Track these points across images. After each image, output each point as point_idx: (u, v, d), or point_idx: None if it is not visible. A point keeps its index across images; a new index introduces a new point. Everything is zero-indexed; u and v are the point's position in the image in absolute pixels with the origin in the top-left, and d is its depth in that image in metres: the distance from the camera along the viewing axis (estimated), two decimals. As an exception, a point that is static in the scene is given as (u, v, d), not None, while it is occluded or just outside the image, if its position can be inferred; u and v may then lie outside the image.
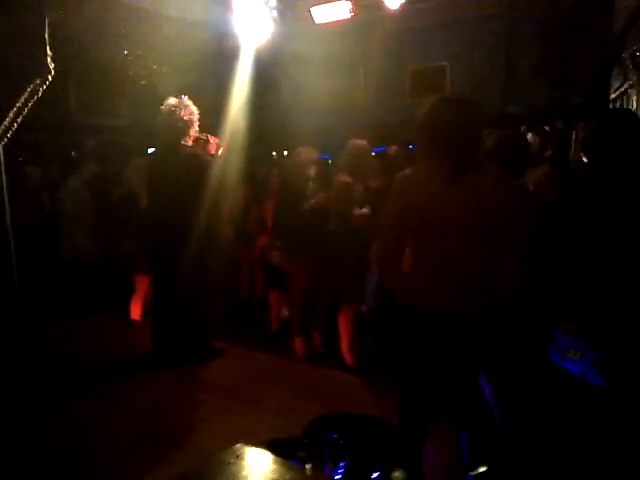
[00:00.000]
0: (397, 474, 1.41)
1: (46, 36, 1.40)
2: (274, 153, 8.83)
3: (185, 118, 4.24)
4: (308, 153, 4.75)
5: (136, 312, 5.33)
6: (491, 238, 2.24)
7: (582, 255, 2.28)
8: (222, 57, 6.87)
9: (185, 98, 4.32)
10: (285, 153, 9.54)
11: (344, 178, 4.30)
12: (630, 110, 6.03)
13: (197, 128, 4.36)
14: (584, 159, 2.40)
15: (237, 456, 1.46)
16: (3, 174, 1.51)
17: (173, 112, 4.22)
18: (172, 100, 4.28)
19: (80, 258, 5.37)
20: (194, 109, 4.32)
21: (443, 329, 2.27)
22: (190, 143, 4.36)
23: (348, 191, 4.28)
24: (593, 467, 2.20)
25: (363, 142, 4.52)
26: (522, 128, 6.21)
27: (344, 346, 4.46)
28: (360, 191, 4.36)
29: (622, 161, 2.25)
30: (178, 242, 4.19)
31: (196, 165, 4.26)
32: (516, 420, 2.80)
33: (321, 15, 6.29)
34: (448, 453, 2.62)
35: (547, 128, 6.90)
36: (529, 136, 4.64)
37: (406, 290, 2.42)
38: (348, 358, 4.45)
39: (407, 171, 2.47)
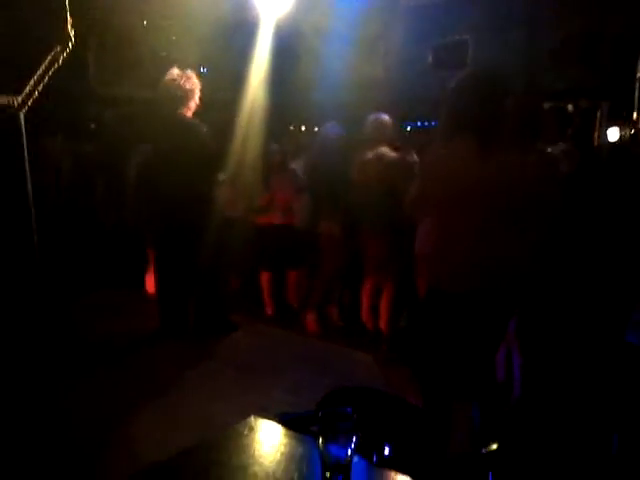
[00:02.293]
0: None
1: (66, 3, 1.39)
2: (291, 127, 8.74)
3: (186, 87, 4.23)
4: (336, 128, 4.69)
5: (151, 285, 5.38)
6: (515, 215, 2.23)
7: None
8: (242, 29, 6.79)
9: (189, 71, 4.30)
10: (303, 128, 9.48)
11: (391, 153, 4.24)
12: None
13: (198, 101, 4.33)
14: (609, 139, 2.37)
15: (250, 429, 1.47)
16: (24, 142, 1.51)
17: (173, 81, 4.22)
18: (175, 70, 4.27)
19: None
20: (196, 81, 4.30)
21: (464, 308, 2.27)
22: (189, 114, 4.34)
23: (406, 167, 4.19)
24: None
25: (386, 116, 4.44)
26: (546, 106, 6.09)
27: (383, 323, 4.45)
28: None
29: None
30: (176, 215, 4.21)
31: (194, 135, 4.25)
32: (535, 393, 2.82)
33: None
34: (462, 426, 2.63)
35: (570, 106, 6.77)
36: (569, 107, 4.56)
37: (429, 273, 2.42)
38: (384, 334, 4.45)
39: (435, 148, 2.42)
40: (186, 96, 4.24)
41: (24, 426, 1.87)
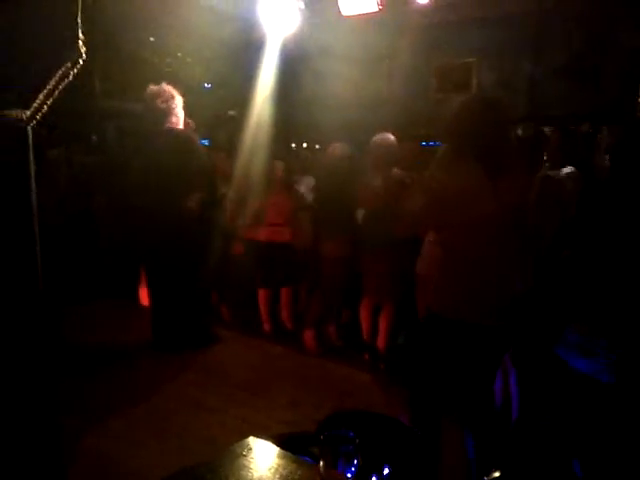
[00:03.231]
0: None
1: (79, 20, 1.40)
2: (293, 145, 8.76)
3: (167, 102, 4.29)
4: (344, 148, 4.69)
5: (144, 298, 5.37)
6: (520, 237, 2.24)
7: (600, 259, 2.26)
8: (248, 48, 6.85)
9: (169, 86, 4.37)
10: (304, 145, 9.50)
11: (399, 173, 4.23)
12: None
13: (179, 115, 4.39)
14: (607, 163, 2.39)
15: (249, 450, 1.45)
16: (31, 157, 1.51)
17: (155, 96, 4.28)
18: (156, 86, 4.35)
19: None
20: (177, 95, 4.37)
21: (469, 336, 2.26)
22: (178, 127, 4.39)
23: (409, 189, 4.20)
24: (602, 464, 2.19)
25: (392, 136, 4.44)
26: (546, 130, 6.10)
27: (381, 342, 4.42)
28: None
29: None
30: (164, 227, 4.23)
31: (180, 144, 4.30)
32: (531, 418, 2.80)
33: (349, 7, 6.20)
34: (459, 454, 2.61)
35: (572, 130, 6.78)
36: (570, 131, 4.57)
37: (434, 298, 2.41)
38: (382, 353, 4.42)
39: (442, 172, 2.42)
40: (168, 111, 4.31)
41: (9, 438, 1.84)
